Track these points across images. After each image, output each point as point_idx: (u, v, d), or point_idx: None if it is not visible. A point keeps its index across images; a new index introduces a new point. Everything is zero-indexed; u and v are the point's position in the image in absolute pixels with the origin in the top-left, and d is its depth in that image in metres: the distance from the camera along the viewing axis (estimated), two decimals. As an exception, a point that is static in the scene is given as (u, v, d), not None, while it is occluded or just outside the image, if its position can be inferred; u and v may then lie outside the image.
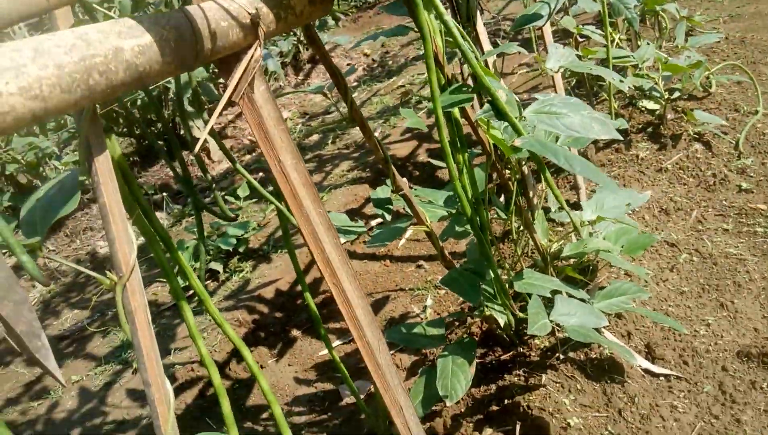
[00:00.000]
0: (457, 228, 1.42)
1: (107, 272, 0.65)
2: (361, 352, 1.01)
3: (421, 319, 2.11)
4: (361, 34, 5.83)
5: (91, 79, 0.58)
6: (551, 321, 1.21)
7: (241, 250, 2.79)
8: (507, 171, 1.21)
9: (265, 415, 1.94)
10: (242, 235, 2.80)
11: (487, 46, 1.45)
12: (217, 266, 2.71)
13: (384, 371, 1.03)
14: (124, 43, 0.61)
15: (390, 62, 5.09)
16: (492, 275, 1.18)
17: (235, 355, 2.20)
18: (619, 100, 2.49)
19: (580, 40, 2.13)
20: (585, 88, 2.58)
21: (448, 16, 0.91)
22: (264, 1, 0.82)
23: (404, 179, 1.30)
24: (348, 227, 1.27)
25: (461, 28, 0.97)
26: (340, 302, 0.98)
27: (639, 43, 2.40)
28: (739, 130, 2.23)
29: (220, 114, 0.77)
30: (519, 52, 1.46)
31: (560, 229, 1.82)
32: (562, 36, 3.73)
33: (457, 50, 1.08)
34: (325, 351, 2.14)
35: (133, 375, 2.25)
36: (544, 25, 1.49)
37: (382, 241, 1.23)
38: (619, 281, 1.39)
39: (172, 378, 2.08)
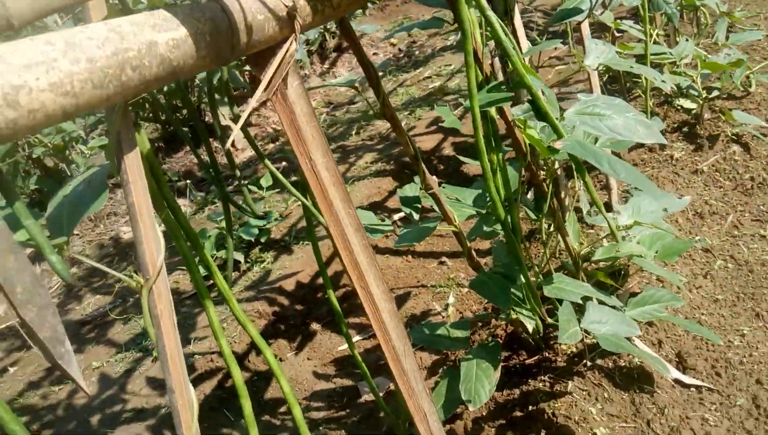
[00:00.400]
0: (485, 228, 1.38)
1: (134, 274, 0.63)
2: (386, 356, 0.99)
3: (443, 317, 2.08)
4: (388, 23, 5.77)
5: (123, 74, 0.55)
6: (582, 328, 1.17)
7: (262, 240, 2.78)
8: (541, 172, 1.17)
9: (283, 409, 1.93)
10: (264, 226, 2.79)
11: (524, 40, 1.40)
12: (238, 256, 2.71)
13: (409, 376, 1.01)
14: (158, 37, 0.58)
15: (416, 52, 5.03)
16: (523, 279, 1.14)
17: (255, 347, 2.19)
18: (654, 98, 2.42)
19: (617, 35, 2.06)
20: (619, 84, 2.51)
21: (490, 11, 0.87)
22: (302, -7, 0.78)
23: (434, 177, 1.27)
24: (374, 226, 1.24)
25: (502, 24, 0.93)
26: (367, 305, 0.96)
27: (677, 39, 2.32)
28: (779, 132, 2.15)
29: (253, 111, 0.74)
30: (555, 48, 1.41)
31: (590, 231, 1.77)
32: (597, 30, 3.64)
33: (489, 45, 1.04)
34: (345, 346, 2.12)
35: (152, 363, 2.25)
36: (584, 21, 1.43)
37: (410, 241, 1.20)
38: (653, 288, 1.34)
39: (192, 368, 2.08)
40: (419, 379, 1.02)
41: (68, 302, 2.90)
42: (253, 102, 0.77)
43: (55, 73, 0.50)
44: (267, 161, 0.94)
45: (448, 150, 3.25)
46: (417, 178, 1.37)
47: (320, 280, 2.50)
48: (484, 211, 1.30)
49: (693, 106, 2.15)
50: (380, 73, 4.86)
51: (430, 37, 5.31)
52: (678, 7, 2.29)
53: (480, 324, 1.76)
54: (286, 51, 0.78)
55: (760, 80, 2.36)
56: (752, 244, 1.79)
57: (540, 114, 0.90)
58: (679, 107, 2.21)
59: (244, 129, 1.09)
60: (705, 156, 2.05)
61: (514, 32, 1.40)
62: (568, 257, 1.41)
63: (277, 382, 1.16)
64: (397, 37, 5.48)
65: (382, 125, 3.85)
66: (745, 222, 1.87)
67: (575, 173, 1.03)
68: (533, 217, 1.47)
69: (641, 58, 2.04)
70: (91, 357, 2.41)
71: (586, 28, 1.63)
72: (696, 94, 2.14)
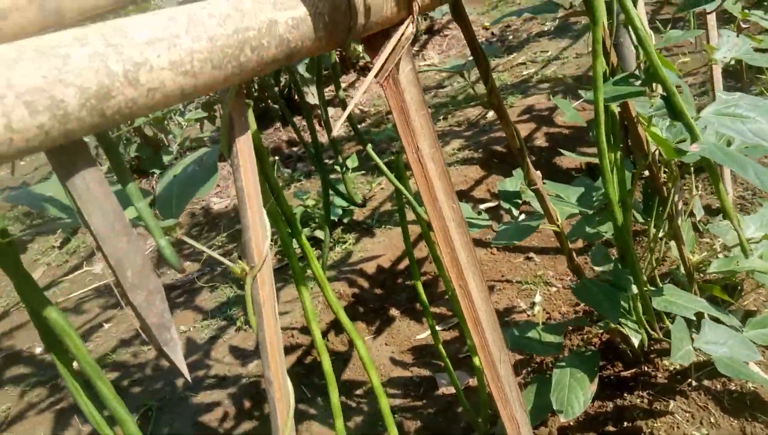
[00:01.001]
0: (588, 229, 1.29)
1: (239, 260, 0.61)
2: (481, 360, 0.94)
3: (528, 315, 2.00)
4: (483, 6, 5.59)
5: (242, 55, 0.52)
6: (694, 347, 1.07)
7: (345, 220, 2.79)
8: (662, 174, 1.07)
9: (359, 391, 1.92)
10: (348, 207, 2.79)
11: (645, 25, 1.28)
12: (320, 235, 2.73)
13: (503, 383, 0.95)
14: (278, 16, 0.55)
15: (510, 37, 4.85)
16: (635, 290, 1.05)
17: (335, 326, 2.20)
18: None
19: (743, 26, 1.87)
20: (738, 79, 2.29)
21: (625, -4, 0.79)
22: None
23: (538, 172, 1.19)
24: (471, 219, 1.19)
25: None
26: (464, 305, 0.91)
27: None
28: None
29: (364, 93, 0.70)
30: (692, 41, 1.28)
31: (702, 239, 1.62)
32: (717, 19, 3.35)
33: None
34: (423, 334, 2.09)
35: (236, 332, 2.32)
36: (714, 9, 1.29)
37: (510, 240, 1.13)
38: (777, 310, 1.21)
39: (273, 342, 2.11)
40: (514, 387, 0.96)
41: (160, 266, 3.04)
42: (363, 87, 0.73)
43: (176, 50, 0.47)
44: (370, 148, 0.90)
45: (540, 140, 3.11)
46: (517, 172, 1.29)
47: (401, 266, 2.47)
48: (589, 212, 1.21)
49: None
50: (469, 57, 4.75)
51: (525, 21, 5.11)
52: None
53: (571, 328, 1.67)
54: (402, 34, 0.74)
55: None
56: None
57: (675, 112, 0.81)
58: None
59: (340, 104, 1.05)
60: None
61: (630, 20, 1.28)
62: (676, 266, 1.30)
63: (364, 370, 1.13)
64: (490, 19, 5.31)
65: (471, 111, 3.75)
66: None
67: (712, 181, 0.93)
68: (640, 219, 1.36)
69: (771, 51, 1.83)
70: (179, 321, 2.51)
71: (712, 18, 1.48)
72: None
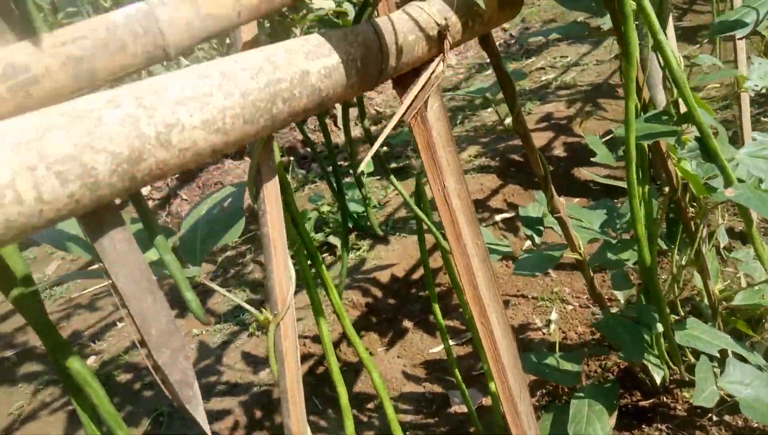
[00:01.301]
0: (610, 255, 1.27)
1: (263, 309, 0.60)
2: (500, 397, 0.92)
3: (544, 334, 1.98)
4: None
5: (274, 107, 0.51)
6: (718, 386, 1.05)
7: (359, 227, 2.78)
8: (690, 208, 1.05)
9: (370, 405, 1.92)
10: (362, 213, 2.78)
11: (675, 51, 1.25)
12: (334, 241, 2.72)
13: (522, 420, 0.94)
14: (310, 66, 0.54)
15: (529, 40, 4.80)
16: (660, 328, 1.03)
17: (347, 336, 2.19)
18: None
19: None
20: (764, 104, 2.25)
21: (662, 35, 0.76)
22: (455, 10, 0.71)
23: (561, 199, 1.17)
24: (494, 246, 1.17)
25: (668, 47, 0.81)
26: (485, 342, 0.89)
27: None
28: None
29: (391, 130, 0.68)
30: (719, 67, 1.25)
31: (727, 269, 1.59)
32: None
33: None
34: (437, 348, 2.07)
35: (248, 338, 2.32)
36: (744, 36, 1.26)
37: (532, 271, 1.11)
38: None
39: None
40: (533, 424, 0.95)
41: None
42: (391, 123, 0.71)
43: (208, 109, 0.46)
44: (393, 179, 0.89)
45: (558, 150, 3.08)
46: (540, 196, 1.27)
47: (415, 275, 2.46)
48: (612, 241, 1.19)
49: None
50: (487, 59, 4.71)
51: (545, 23, 5.06)
52: None
53: (588, 352, 1.64)
54: (432, 72, 0.72)
55: None
56: None
57: (709, 155, 0.78)
58: None
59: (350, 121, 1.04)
60: None
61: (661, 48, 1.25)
62: (699, 297, 1.27)
63: (369, 376, 1.12)
64: (510, 21, 5.26)
65: (488, 117, 3.72)
66: None
67: (745, 227, 0.90)
68: (663, 246, 1.33)
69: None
70: (192, 324, 2.51)
71: (742, 43, 1.44)
72: None
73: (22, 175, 0.36)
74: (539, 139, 3.20)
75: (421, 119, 0.75)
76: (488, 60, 1.08)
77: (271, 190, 0.59)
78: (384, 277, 2.46)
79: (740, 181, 0.79)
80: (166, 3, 0.45)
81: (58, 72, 0.40)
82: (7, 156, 0.36)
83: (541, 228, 1.21)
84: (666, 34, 1.25)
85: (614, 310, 1.38)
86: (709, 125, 0.79)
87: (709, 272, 1.14)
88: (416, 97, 0.72)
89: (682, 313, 1.39)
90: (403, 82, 0.72)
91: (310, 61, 0.54)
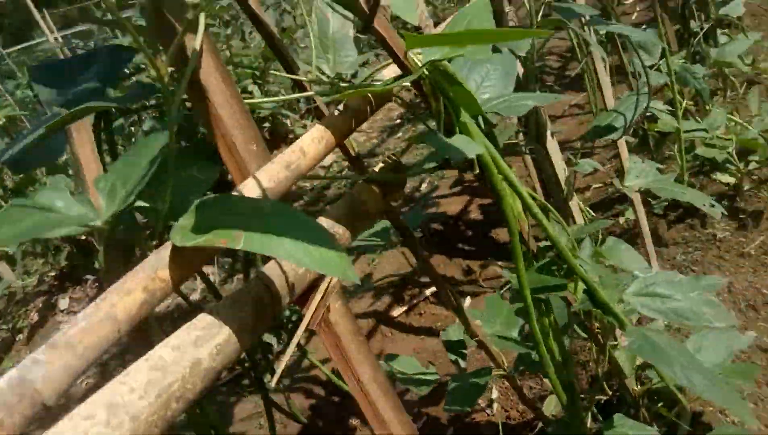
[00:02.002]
0: (534, 356, 1.31)
1: None
2: None
3: (488, 414, 2.00)
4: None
5: (168, 411, 0.51)
6: (649, 487, 1.10)
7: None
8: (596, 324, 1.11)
9: None
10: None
11: (558, 163, 1.35)
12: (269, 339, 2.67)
13: None
14: (201, 352, 0.54)
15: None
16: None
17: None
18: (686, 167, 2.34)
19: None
20: (648, 148, 2.43)
21: (531, 200, 0.82)
22: (342, 223, 0.74)
23: (477, 322, 1.21)
24: (419, 376, 1.19)
25: (549, 206, 0.87)
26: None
27: (708, 107, 2.24)
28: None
29: (299, 340, 0.69)
30: (594, 170, 1.35)
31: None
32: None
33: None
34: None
35: None
36: (619, 139, 1.38)
37: (462, 406, 1.13)
38: (726, 427, 1.26)
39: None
40: None
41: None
42: (294, 340, 0.72)
43: (96, 452, 0.45)
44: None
45: (475, 213, 3.19)
46: (458, 321, 1.31)
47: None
48: (532, 353, 1.24)
49: (731, 180, 2.06)
50: (397, 121, 4.85)
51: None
52: (707, 76, 2.21)
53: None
54: (329, 283, 0.74)
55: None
56: (815, 336, 1.69)
57: (599, 305, 0.84)
58: (716, 180, 2.12)
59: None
60: (751, 237, 1.95)
61: (546, 155, 1.34)
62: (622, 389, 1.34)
63: None
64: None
65: (410, 184, 3.81)
66: (803, 310, 1.77)
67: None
68: (582, 334, 1.40)
69: (673, 136, 1.98)
70: None
71: (623, 146, 1.56)
72: (734, 167, 2.06)
73: None
74: (455, 204, 3.31)
75: (326, 324, 0.77)
76: (398, 121, 1.13)
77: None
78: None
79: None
80: (39, 361, 0.44)
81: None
82: None
83: (465, 351, 1.24)
84: (547, 147, 1.34)
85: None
86: (594, 277, 0.85)
87: (625, 372, 1.21)
88: (317, 307, 0.74)
89: (611, 393, 1.46)
90: (301, 300, 0.74)
91: (199, 348, 0.54)
